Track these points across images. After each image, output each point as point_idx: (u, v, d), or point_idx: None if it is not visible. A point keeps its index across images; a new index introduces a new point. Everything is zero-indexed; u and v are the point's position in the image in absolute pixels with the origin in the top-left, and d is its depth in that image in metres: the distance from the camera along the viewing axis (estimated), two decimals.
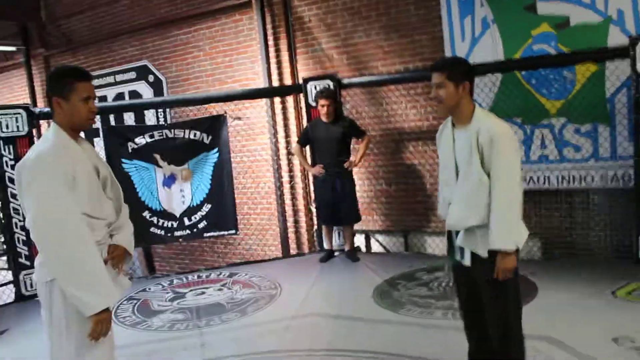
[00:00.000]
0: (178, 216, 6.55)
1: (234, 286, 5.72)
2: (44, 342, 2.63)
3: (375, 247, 7.11)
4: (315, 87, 6.27)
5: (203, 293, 5.61)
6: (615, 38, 5.31)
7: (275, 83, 7.48)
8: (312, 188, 6.57)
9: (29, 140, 5.88)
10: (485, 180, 2.83)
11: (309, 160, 6.26)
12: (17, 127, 5.88)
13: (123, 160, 6.36)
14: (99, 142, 8.21)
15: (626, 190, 5.43)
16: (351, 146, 6.15)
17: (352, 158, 6.03)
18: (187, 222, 6.56)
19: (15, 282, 5.87)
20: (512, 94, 5.88)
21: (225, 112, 6.69)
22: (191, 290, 5.72)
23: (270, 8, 7.40)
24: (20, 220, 5.74)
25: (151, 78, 8.76)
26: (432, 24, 6.31)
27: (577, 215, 5.84)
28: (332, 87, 6.23)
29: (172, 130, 6.53)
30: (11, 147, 5.85)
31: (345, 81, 6.43)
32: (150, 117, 8.46)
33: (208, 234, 6.70)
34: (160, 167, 6.48)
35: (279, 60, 7.48)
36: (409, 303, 4.70)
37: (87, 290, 2.44)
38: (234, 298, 5.35)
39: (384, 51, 6.70)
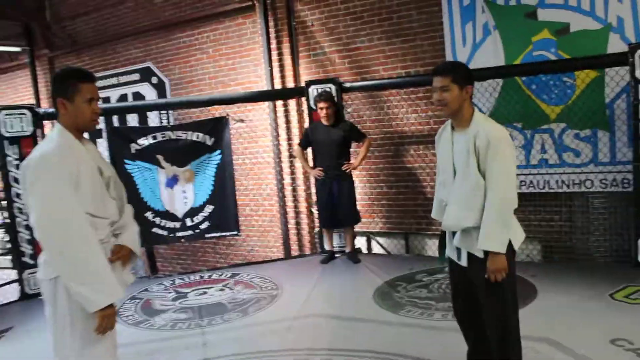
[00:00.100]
0: (180, 217, 6.60)
1: (236, 286, 5.77)
2: (48, 339, 2.66)
3: (376, 249, 7.16)
4: (317, 91, 6.33)
5: (205, 293, 5.65)
6: (615, 45, 5.37)
7: (278, 86, 7.55)
8: (313, 190, 6.63)
9: (33, 140, 5.91)
10: (481, 182, 2.89)
11: (311, 163, 6.31)
12: (22, 127, 5.92)
13: (126, 161, 6.41)
14: (102, 142, 8.27)
15: (625, 194, 5.49)
16: (352, 149, 6.20)
17: (352, 161, 6.09)
18: (189, 222, 6.61)
19: (20, 280, 5.92)
20: (512, 99, 5.94)
21: (228, 115, 6.74)
22: (193, 290, 5.76)
23: (274, 12, 7.47)
24: (24, 220, 5.77)
25: (154, 80, 8.82)
26: (434, 30, 6.38)
27: (577, 219, 5.89)
28: (333, 90, 6.28)
29: (175, 132, 6.58)
30: (15, 147, 5.89)
31: (347, 85, 6.48)
32: (153, 118, 8.52)
33: (210, 235, 6.75)
34: (163, 168, 6.53)
35: (282, 64, 7.55)
36: (409, 304, 4.75)
37: (90, 288, 2.48)
38: (236, 298, 5.39)
39: (386, 56, 6.76)
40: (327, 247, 6.39)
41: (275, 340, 4.30)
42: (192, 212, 6.61)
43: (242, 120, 7.55)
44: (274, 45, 7.53)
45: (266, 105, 7.48)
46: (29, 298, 5.82)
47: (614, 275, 4.98)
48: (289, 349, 4.11)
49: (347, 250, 6.29)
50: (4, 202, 6.21)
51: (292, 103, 7.47)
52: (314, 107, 6.17)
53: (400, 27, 6.61)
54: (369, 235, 7.17)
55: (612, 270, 5.28)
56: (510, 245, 2.90)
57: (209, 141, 6.57)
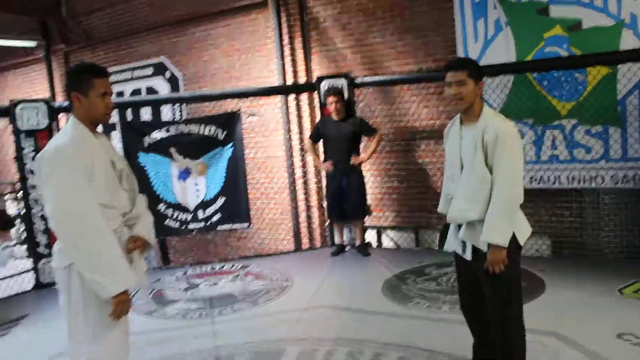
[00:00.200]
0: (192, 209, 6.67)
1: (247, 278, 5.84)
2: (62, 326, 2.73)
3: (387, 242, 7.20)
4: (328, 86, 6.36)
5: (216, 284, 5.73)
6: (628, 41, 5.35)
7: (290, 81, 7.59)
8: (324, 184, 6.68)
9: (48, 133, 5.99)
10: (488, 176, 2.91)
11: (322, 157, 6.36)
12: (37, 120, 6.01)
13: (139, 154, 6.49)
14: (116, 135, 8.36)
15: (636, 191, 5.48)
16: (362, 144, 6.24)
17: (362, 155, 6.13)
18: (201, 215, 6.68)
19: (35, 270, 6.03)
20: (523, 96, 5.93)
21: (240, 109, 6.80)
22: (204, 281, 5.84)
23: (286, 7, 7.52)
24: (39, 211, 5.87)
25: (168, 74, 8.90)
26: (446, 26, 6.38)
27: (587, 215, 5.89)
28: (344, 85, 6.31)
29: (188, 126, 6.65)
30: (31, 139, 5.98)
31: (359, 80, 6.52)
32: (166, 112, 8.60)
33: (221, 227, 6.81)
34: (176, 161, 6.61)
35: (294, 59, 7.59)
36: (418, 297, 4.79)
37: (104, 276, 2.54)
38: (246, 289, 5.46)
39: (398, 51, 6.79)
40: (337, 240, 6.44)
41: (285, 330, 4.36)
42: (204, 204, 6.68)
43: (254, 115, 7.61)
44: (286, 41, 7.58)
45: (278, 100, 7.54)
46: (43, 287, 5.93)
47: (624, 271, 4.99)
48: (298, 338, 4.16)
49: (357, 243, 6.33)
50: (20, 194, 6.31)
51: (304, 98, 7.52)
52: (325, 102, 6.21)
53: (412, 23, 6.64)
54: (379, 229, 7.21)
55: (622, 266, 5.29)
56: (514, 239, 2.92)
57: (221, 135, 6.63)
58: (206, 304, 5.10)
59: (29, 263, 6.24)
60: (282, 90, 7.35)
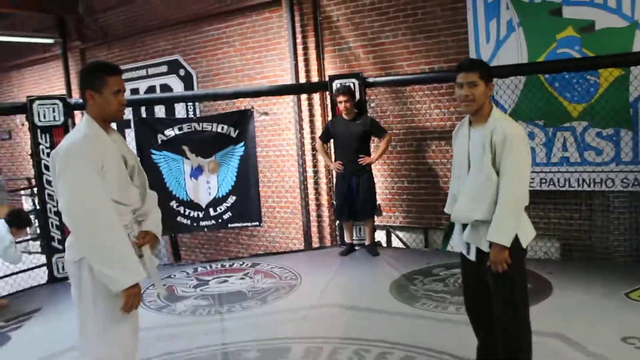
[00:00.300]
0: (204, 207, 6.75)
1: (256, 276, 5.90)
2: (74, 319, 2.79)
3: (396, 242, 7.22)
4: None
5: (226, 281, 5.80)
6: None
7: (303, 80, 7.63)
8: (335, 183, 6.71)
9: (64, 129, 6.06)
10: (494, 177, 2.94)
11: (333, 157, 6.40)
12: (54, 117, 6.10)
13: (152, 151, 6.57)
14: (130, 133, 8.46)
15: None
16: (372, 144, 6.27)
17: (372, 155, 6.16)
18: (212, 212, 6.75)
19: (48, 264, 6.13)
20: (535, 97, 5.92)
21: (253, 107, 6.85)
22: (214, 278, 5.91)
23: (300, 7, 7.55)
24: (54, 206, 5.97)
25: (182, 72, 8.98)
26: (458, 26, 6.39)
27: (597, 218, 5.87)
28: (356, 85, 6.34)
29: (201, 124, 6.72)
30: (47, 135, 6.07)
31: (371, 80, 6.55)
32: (180, 110, 8.68)
33: (232, 225, 6.89)
34: (188, 158, 6.68)
35: (307, 58, 7.63)
36: (425, 297, 4.82)
37: (115, 270, 2.58)
38: (255, 287, 5.52)
39: (410, 51, 6.80)
40: (347, 239, 6.48)
41: (292, 327, 4.41)
42: (216, 202, 6.75)
43: (266, 113, 7.67)
44: (299, 40, 7.61)
45: (290, 99, 7.58)
46: (57, 281, 6.04)
47: (633, 275, 4.98)
48: (305, 336, 4.22)
49: (367, 243, 6.37)
50: (36, 189, 6.42)
51: (316, 97, 7.56)
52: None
53: (425, 23, 6.64)
54: (389, 229, 7.23)
55: (631, 269, 5.28)
56: (518, 241, 2.94)
57: (234, 133, 6.70)
58: (215, 301, 5.17)
59: (43, 258, 6.35)
60: (295, 89, 7.39)
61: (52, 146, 5.93)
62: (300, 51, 7.62)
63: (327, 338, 4.15)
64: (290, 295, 5.20)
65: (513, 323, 3.03)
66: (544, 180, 5.92)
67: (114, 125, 2.91)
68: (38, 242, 7.77)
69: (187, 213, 6.71)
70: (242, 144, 6.72)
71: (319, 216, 7.72)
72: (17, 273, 6.21)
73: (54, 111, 6.12)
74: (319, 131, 7.37)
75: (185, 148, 6.66)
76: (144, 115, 8.75)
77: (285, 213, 7.99)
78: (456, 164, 3.27)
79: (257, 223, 6.94)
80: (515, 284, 3.00)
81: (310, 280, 5.57)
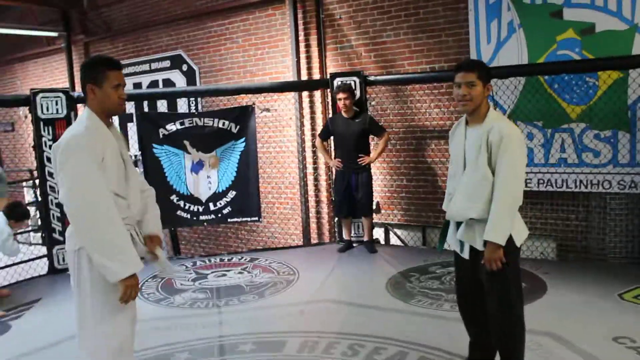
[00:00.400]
0: (204, 201, 6.79)
1: (254, 270, 5.95)
2: (73, 309, 2.82)
3: (394, 240, 7.27)
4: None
5: (224, 275, 5.85)
6: None
7: (304, 77, 7.68)
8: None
9: (67, 122, 6.11)
10: (489, 176, 2.99)
11: (332, 154, 6.44)
12: (57, 109, 6.15)
13: (154, 145, 6.58)
14: (132, 127, 8.51)
15: None
16: (371, 142, 6.31)
17: (371, 153, 6.19)
18: (212, 207, 6.80)
19: (49, 256, 6.20)
20: (534, 98, 5.96)
21: (254, 103, 6.89)
22: (213, 272, 5.97)
23: (303, 4, 7.60)
24: (55, 198, 6.01)
25: (185, 67, 9.03)
26: (459, 26, 6.43)
27: (593, 219, 5.91)
28: (357, 83, 6.39)
29: (202, 119, 6.75)
30: (50, 128, 6.12)
31: (372, 78, 6.59)
32: (182, 105, 8.73)
33: (232, 220, 6.93)
34: (189, 153, 6.73)
35: (309, 55, 7.68)
36: (420, 294, 4.87)
37: (114, 261, 2.62)
38: (253, 281, 5.58)
39: (411, 50, 6.84)
40: (345, 236, 6.53)
41: (288, 322, 4.47)
42: (216, 197, 6.80)
43: (267, 110, 7.72)
44: (301, 37, 7.66)
45: (292, 96, 7.62)
46: (57, 272, 6.11)
47: (628, 276, 5.03)
48: (301, 331, 4.26)
49: (365, 240, 6.42)
50: (37, 181, 6.47)
51: (317, 94, 7.60)
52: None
53: (426, 22, 6.68)
54: (387, 227, 7.28)
55: (626, 271, 5.31)
56: (512, 240, 2.99)
57: (235, 129, 6.73)
58: (213, 295, 5.23)
59: (43, 249, 6.41)
60: (296, 86, 7.43)
61: (55, 139, 5.98)
62: (302, 48, 7.67)
63: (322, 333, 4.19)
64: (288, 290, 5.26)
65: (509, 322, 3.08)
66: (541, 181, 5.97)
67: (115, 120, 2.95)
68: (39, 234, 7.82)
69: (187, 207, 6.76)
70: (242, 139, 6.75)
71: (318, 213, 7.77)
72: (18, 264, 6.27)
73: (57, 104, 6.16)
74: (319, 128, 7.42)
75: (186, 143, 6.70)
76: (146, 109, 8.79)
77: (284, 209, 8.05)
78: (452, 163, 3.32)
79: (257, 218, 6.98)
80: (510, 282, 3.04)
81: (308, 276, 5.62)
